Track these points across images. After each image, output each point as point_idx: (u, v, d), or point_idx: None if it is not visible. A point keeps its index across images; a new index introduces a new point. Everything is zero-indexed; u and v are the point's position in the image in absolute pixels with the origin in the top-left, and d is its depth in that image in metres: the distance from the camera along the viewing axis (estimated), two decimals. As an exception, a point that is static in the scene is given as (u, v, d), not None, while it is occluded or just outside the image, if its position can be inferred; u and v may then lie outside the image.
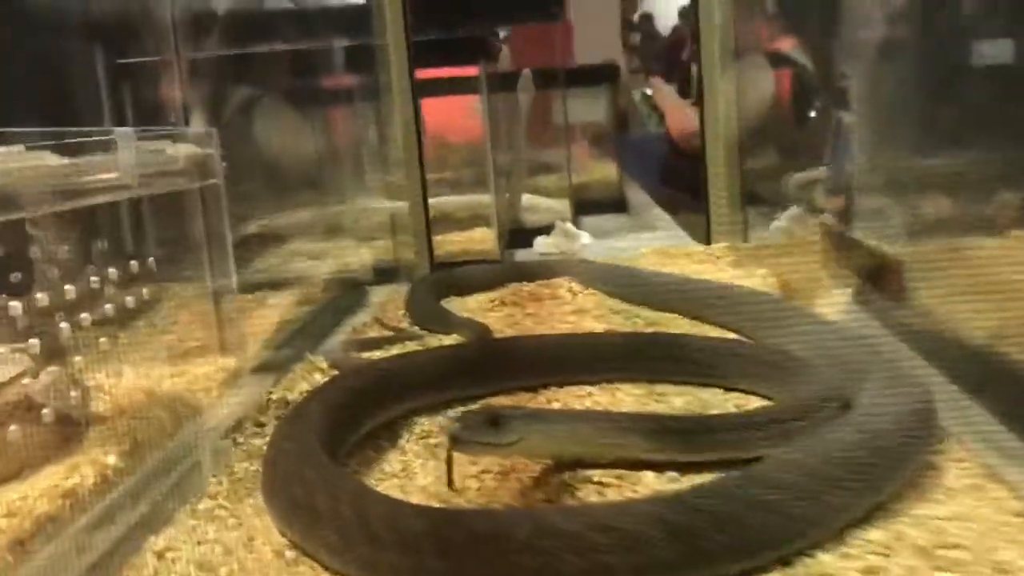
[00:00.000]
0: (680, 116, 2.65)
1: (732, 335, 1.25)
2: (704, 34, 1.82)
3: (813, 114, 1.96)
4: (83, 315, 1.03)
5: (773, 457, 0.80)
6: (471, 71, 2.02)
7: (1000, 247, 1.05)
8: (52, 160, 0.82)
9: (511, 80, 2.27)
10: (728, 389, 1.08)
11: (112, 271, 1.01)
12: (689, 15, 3.11)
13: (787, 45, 1.97)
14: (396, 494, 0.91)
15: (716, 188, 1.86)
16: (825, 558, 0.74)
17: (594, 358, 1.12)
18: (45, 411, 0.92)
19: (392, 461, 0.99)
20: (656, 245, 1.86)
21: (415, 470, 0.97)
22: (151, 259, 1.09)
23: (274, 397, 1.10)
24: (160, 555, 0.78)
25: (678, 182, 2.53)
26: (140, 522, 0.84)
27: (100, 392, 1.05)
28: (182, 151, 1.10)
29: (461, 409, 0.92)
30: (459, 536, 0.71)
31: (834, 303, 1.35)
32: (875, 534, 0.76)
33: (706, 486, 0.77)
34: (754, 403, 1.05)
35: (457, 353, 1.17)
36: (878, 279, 1.12)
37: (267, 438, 0.98)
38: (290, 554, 0.79)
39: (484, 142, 1.99)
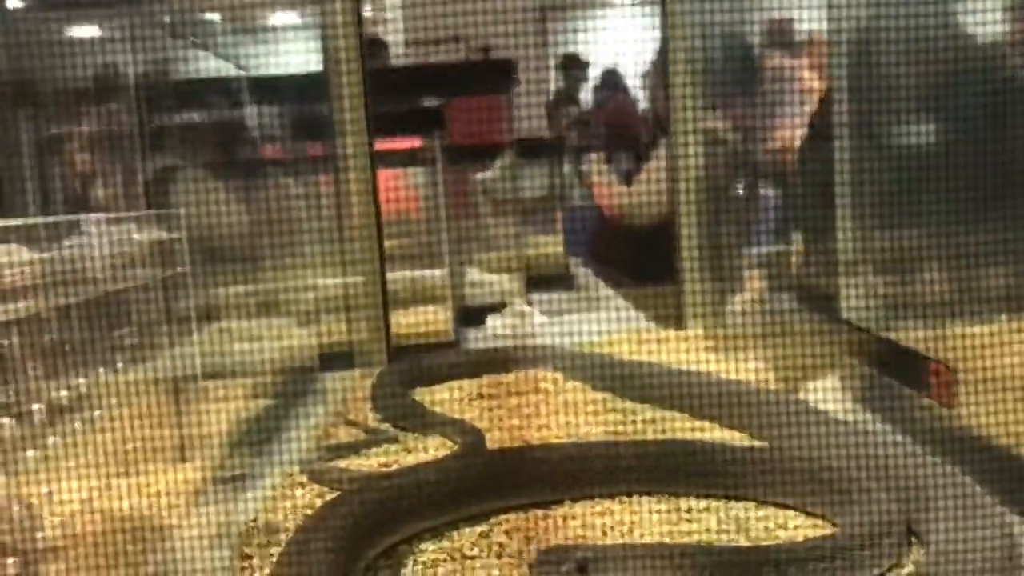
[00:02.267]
0: (606, 192, 2.60)
1: (744, 437, 1.17)
2: (675, 91, 1.75)
3: (741, 191, 1.94)
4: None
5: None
6: (420, 142, 1.93)
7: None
8: (24, 254, 0.69)
9: (461, 152, 2.19)
10: (759, 504, 1.00)
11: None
12: (615, 82, 3.09)
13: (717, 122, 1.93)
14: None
15: (690, 263, 1.78)
16: None
17: (611, 470, 1.03)
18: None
19: (398, 599, 0.87)
20: (618, 326, 1.78)
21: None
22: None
23: (258, 523, 0.96)
24: None
25: (613, 258, 2.47)
26: None
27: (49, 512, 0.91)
28: (148, 236, 0.97)
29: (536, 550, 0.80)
30: None
31: (831, 398, 1.29)
32: None
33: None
34: (791, 521, 0.97)
35: (458, 466, 1.05)
36: (914, 378, 1.06)
37: (257, 573, 0.85)
38: None
39: (437, 215, 1.89)
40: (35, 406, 0.84)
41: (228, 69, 1.81)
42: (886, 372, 1.19)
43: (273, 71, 1.76)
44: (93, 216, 0.80)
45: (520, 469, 1.03)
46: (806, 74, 1.96)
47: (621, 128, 2.82)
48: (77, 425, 1.16)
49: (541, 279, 2.40)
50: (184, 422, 1.16)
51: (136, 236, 0.94)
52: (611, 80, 3.07)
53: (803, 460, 1.01)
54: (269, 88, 1.79)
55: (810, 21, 1.56)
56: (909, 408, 1.09)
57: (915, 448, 1.02)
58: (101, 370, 1.15)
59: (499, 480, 1.02)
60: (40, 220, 0.75)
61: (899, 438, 1.06)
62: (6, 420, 0.84)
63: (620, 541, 0.91)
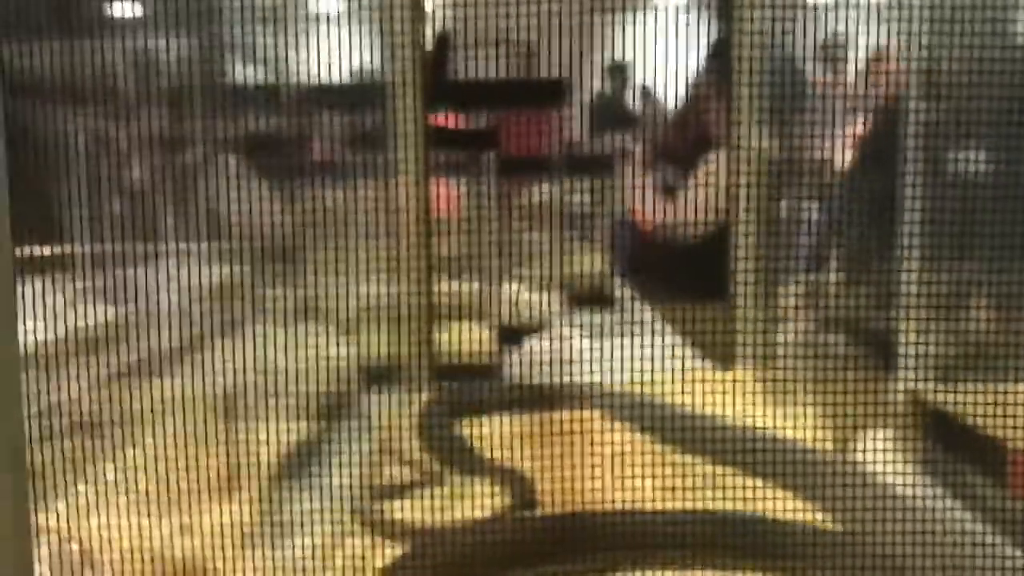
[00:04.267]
0: (648, 209, 2.57)
1: (801, 501, 1.14)
2: (741, 103, 1.71)
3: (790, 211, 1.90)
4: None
5: None
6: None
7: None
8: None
9: (513, 166, 2.16)
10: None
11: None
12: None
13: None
14: None
15: (743, 288, 1.72)
16: None
17: (670, 540, 1.00)
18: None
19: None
20: (668, 364, 1.74)
21: None
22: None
23: (312, 577, 0.95)
24: None
25: (651, 275, 2.43)
26: None
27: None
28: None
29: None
30: None
31: (887, 459, 1.25)
32: None
33: None
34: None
35: (512, 529, 1.03)
36: (990, 465, 1.03)
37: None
38: None
39: (486, 228, 1.87)
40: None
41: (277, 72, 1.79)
42: (953, 449, 1.16)
43: (334, 78, 1.75)
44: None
45: (577, 534, 1.01)
46: (857, 91, 1.92)
47: (680, 142, 2.77)
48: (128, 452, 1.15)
49: (585, 298, 2.37)
50: (231, 448, 1.15)
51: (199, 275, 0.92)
52: (647, 94, 3.02)
53: (870, 542, 0.99)
54: (328, 93, 1.78)
55: (878, 37, 1.52)
56: (980, 490, 1.06)
57: (983, 534, 0.99)
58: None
59: (556, 543, 1.00)
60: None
61: (969, 523, 1.03)
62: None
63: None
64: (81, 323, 0.95)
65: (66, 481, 0.91)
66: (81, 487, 0.96)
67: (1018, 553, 0.94)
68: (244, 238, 1.46)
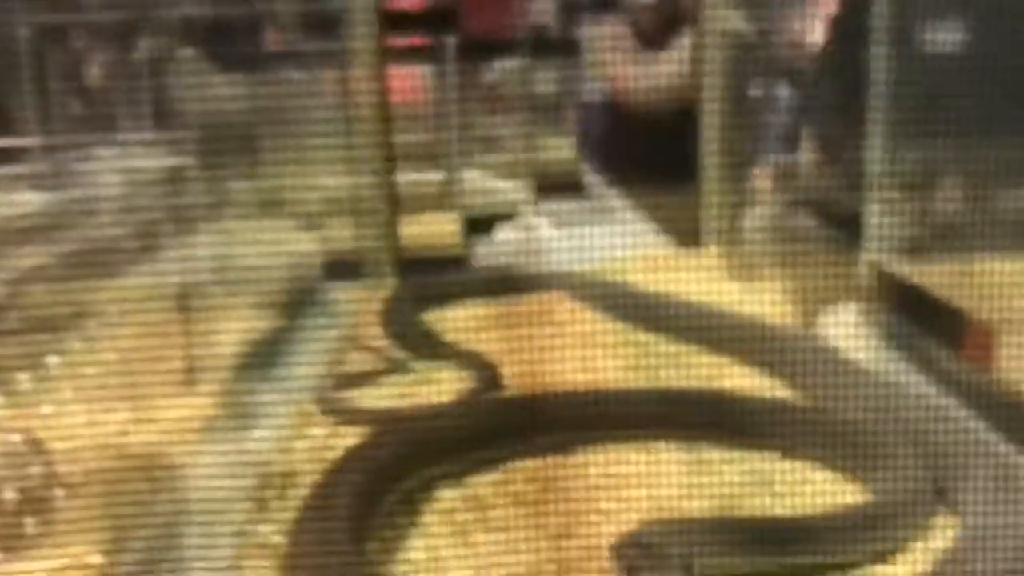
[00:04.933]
0: (623, 69, 2.51)
1: (764, 376, 1.15)
2: None
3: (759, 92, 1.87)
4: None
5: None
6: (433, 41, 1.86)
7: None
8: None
9: (474, 48, 2.10)
10: (783, 456, 0.98)
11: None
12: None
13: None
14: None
15: (710, 171, 1.71)
16: None
17: (630, 417, 1.00)
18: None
19: (416, 545, 0.86)
20: (635, 245, 1.73)
21: (445, 557, 0.84)
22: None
23: (274, 468, 0.94)
24: None
25: (628, 156, 2.39)
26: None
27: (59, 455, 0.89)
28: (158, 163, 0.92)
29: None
30: None
31: (851, 334, 1.26)
32: None
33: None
34: (816, 476, 0.95)
35: (476, 410, 1.03)
36: (950, 335, 1.03)
37: (277, 525, 0.83)
38: None
39: (447, 114, 1.83)
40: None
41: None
42: (917, 320, 1.15)
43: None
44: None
45: (537, 414, 1.01)
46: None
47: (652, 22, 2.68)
48: (77, 344, 1.13)
49: (552, 186, 2.34)
50: (190, 341, 1.13)
51: (146, 164, 0.89)
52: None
53: (830, 414, 0.99)
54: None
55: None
56: (939, 359, 1.07)
57: (945, 405, 0.99)
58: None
59: (515, 424, 1.00)
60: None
61: (928, 392, 1.04)
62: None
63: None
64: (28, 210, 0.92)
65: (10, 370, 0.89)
66: (25, 378, 0.95)
67: (975, 420, 0.95)
68: (198, 128, 1.42)
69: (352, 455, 0.90)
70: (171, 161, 0.92)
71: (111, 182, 0.79)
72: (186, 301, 1.15)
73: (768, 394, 1.09)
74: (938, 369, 1.06)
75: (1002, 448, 0.87)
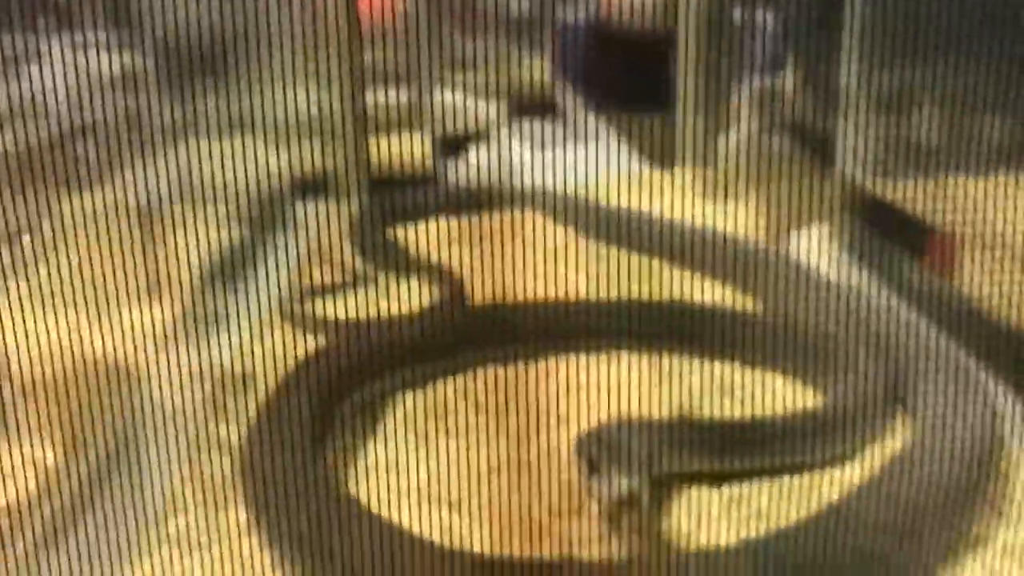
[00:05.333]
0: None
1: (729, 290, 1.15)
2: None
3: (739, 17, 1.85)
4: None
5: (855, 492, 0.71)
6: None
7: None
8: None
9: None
10: (743, 366, 0.98)
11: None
12: None
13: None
14: (391, 496, 0.79)
15: (686, 93, 1.70)
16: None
17: (592, 328, 1.00)
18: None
19: (376, 451, 0.86)
20: (608, 164, 1.72)
21: (404, 463, 0.85)
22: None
23: (233, 370, 0.94)
24: (136, 606, 0.63)
25: (606, 77, 2.37)
26: (100, 548, 0.68)
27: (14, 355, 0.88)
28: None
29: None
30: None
31: (820, 249, 1.26)
32: (973, 573, 0.69)
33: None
34: (775, 384, 0.96)
35: (438, 320, 1.03)
36: (913, 245, 1.03)
37: (235, 425, 0.83)
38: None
39: (416, 31, 1.79)
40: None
41: None
42: (883, 233, 1.15)
43: None
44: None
45: (500, 324, 1.01)
46: None
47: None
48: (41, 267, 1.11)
49: (527, 106, 2.31)
50: (155, 253, 1.12)
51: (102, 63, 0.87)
52: None
53: (791, 323, 0.99)
54: None
55: None
56: (902, 271, 1.07)
57: (907, 315, 1.00)
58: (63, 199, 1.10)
59: (478, 334, 0.99)
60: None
61: (891, 303, 1.04)
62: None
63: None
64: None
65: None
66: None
67: (934, 328, 0.95)
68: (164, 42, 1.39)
69: (311, 360, 0.89)
70: (133, 65, 0.90)
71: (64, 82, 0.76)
72: (149, 213, 1.14)
73: (731, 306, 1.09)
74: (901, 280, 1.07)
75: (957, 354, 0.88)
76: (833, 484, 0.78)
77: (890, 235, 1.13)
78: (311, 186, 1.65)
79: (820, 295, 1.04)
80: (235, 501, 0.73)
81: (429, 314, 1.06)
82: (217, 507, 0.74)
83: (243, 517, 0.71)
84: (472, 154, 1.93)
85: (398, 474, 0.83)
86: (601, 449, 0.71)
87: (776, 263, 1.15)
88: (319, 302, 1.12)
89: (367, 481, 0.80)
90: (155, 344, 0.96)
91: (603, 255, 1.28)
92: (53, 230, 1.10)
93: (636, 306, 1.04)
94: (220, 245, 1.28)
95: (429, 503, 0.77)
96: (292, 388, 0.83)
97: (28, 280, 0.97)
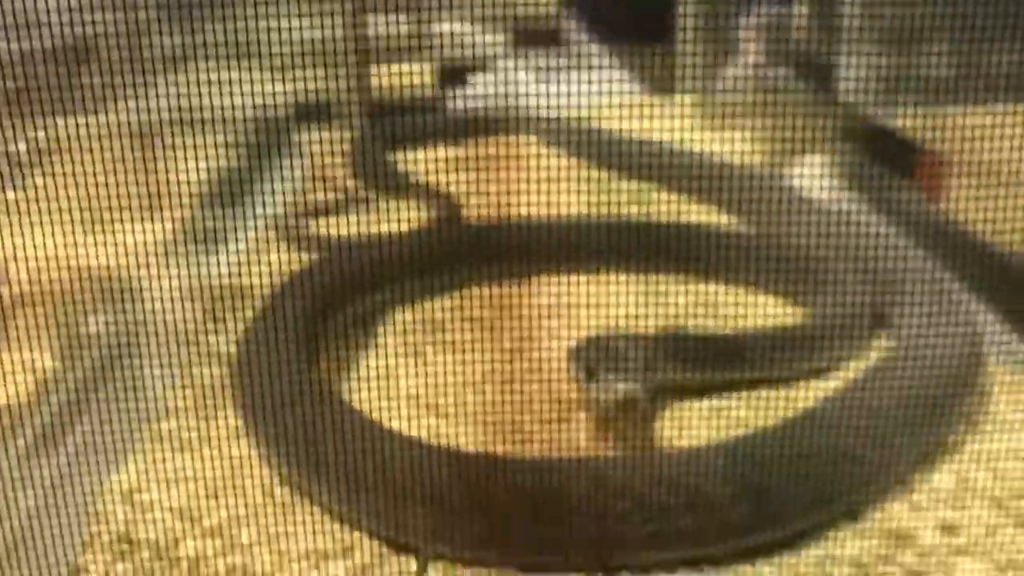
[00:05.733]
0: None
1: (721, 213, 1.16)
2: None
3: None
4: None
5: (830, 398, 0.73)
6: None
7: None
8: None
9: None
10: (730, 285, 1.00)
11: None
12: None
13: None
14: (381, 402, 0.81)
15: (686, 23, 1.69)
16: (895, 509, 0.67)
17: (584, 246, 1.01)
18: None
19: (370, 361, 0.88)
20: (610, 92, 1.71)
21: (397, 372, 0.86)
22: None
23: (229, 283, 0.95)
24: (128, 499, 0.66)
25: (610, 9, 2.35)
26: (93, 450, 0.70)
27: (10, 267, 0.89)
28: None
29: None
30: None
31: (817, 177, 1.26)
32: (941, 479, 0.70)
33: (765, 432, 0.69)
34: (761, 302, 0.97)
35: (433, 238, 1.04)
36: (904, 167, 1.03)
37: (228, 335, 0.84)
38: (282, 492, 0.68)
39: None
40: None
41: None
42: (876, 158, 1.16)
43: None
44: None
45: (494, 242, 1.02)
46: None
47: None
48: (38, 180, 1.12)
49: (530, 34, 2.30)
50: (154, 173, 1.13)
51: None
52: None
53: (778, 243, 1.00)
54: None
55: None
56: (894, 196, 1.07)
57: (893, 237, 1.01)
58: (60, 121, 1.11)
59: (473, 252, 1.00)
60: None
61: (879, 226, 1.05)
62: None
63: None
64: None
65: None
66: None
67: (920, 249, 0.96)
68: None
69: (303, 273, 0.91)
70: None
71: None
72: (152, 136, 1.14)
73: (720, 226, 1.10)
74: (891, 203, 1.07)
75: (943, 276, 0.89)
76: (812, 396, 0.80)
77: (884, 160, 1.13)
78: (313, 113, 1.65)
79: (808, 217, 1.04)
80: (226, 406, 0.75)
81: (423, 232, 1.07)
82: (208, 412, 0.76)
83: (233, 421, 0.73)
84: (474, 83, 1.93)
85: (389, 383, 0.84)
86: (599, 355, 0.72)
87: (766, 185, 1.16)
88: (315, 221, 1.13)
89: (359, 389, 0.82)
90: (153, 259, 0.98)
91: (598, 179, 1.29)
92: (48, 148, 1.11)
93: (626, 225, 1.05)
94: (221, 169, 1.29)
95: (419, 411, 0.79)
96: (284, 299, 0.84)
97: (25, 191, 0.99)
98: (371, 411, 0.74)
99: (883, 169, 1.14)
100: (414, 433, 0.71)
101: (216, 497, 0.65)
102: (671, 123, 1.55)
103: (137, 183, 1.10)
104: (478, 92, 1.87)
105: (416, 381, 0.84)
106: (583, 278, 1.00)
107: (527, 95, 1.80)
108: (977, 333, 0.81)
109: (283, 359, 0.75)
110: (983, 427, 0.76)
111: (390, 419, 0.75)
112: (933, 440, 0.72)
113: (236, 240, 1.08)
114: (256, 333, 0.80)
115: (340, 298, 0.89)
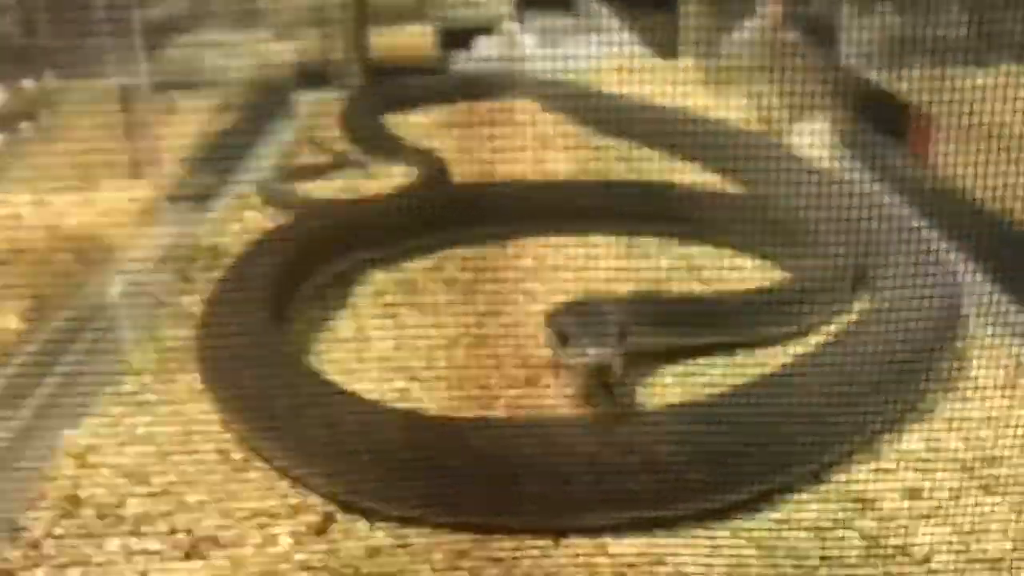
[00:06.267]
0: None
1: (717, 178, 1.13)
2: None
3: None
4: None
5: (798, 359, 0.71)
6: None
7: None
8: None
9: None
10: (713, 245, 0.98)
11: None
12: None
13: None
14: (352, 364, 0.80)
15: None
16: (860, 474, 0.66)
17: (567, 207, 1.00)
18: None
19: (343, 323, 0.87)
20: (613, 56, 1.68)
21: (370, 334, 0.86)
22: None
23: (203, 244, 0.95)
24: (80, 459, 0.65)
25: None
26: (53, 410, 0.70)
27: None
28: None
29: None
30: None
31: (817, 141, 1.23)
32: (910, 443, 0.69)
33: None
34: (742, 263, 0.95)
35: (415, 197, 1.02)
36: (896, 129, 1.01)
37: (197, 296, 0.84)
38: (237, 455, 0.67)
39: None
40: None
41: None
42: (869, 118, 1.13)
43: None
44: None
45: (476, 203, 1.00)
46: None
47: None
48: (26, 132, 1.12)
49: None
50: (140, 135, 1.12)
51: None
52: None
53: (762, 205, 0.98)
54: None
55: None
56: (885, 156, 1.05)
57: (882, 198, 0.98)
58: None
59: (454, 212, 0.99)
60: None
61: (868, 186, 1.02)
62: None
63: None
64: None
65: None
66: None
67: (908, 209, 0.94)
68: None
69: (274, 233, 0.90)
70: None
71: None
72: (139, 98, 1.14)
73: (703, 186, 1.08)
74: (882, 164, 1.05)
75: (930, 239, 0.86)
76: (787, 359, 0.78)
77: (878, 122, 1.11)
78: (312, 76, 1.64)
79: (795, 177, 1.02)
80: (189, 368, 0.74)
81: (404, 193, 1.06)
82: (171, 374, 0.75)
83: (195, 384, 0.72)
84: (478, 45, 1.90)
85: (360, 345, 0.84)
86: (573, 320, 0.71)
87: (755, 146, 1.13)
88: (301, 183, 1.13)
89: (330, 351, 0.81)
90: (131, 219, 0.97)
91: (592, 143, 1.27)
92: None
93: (609, 186, 1.03)
94: (213, 132, 1.29)
95: (390, 374, 0.78)
96: (254, 258, 0.83)
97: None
98: (341, 373, 0.73)
99: (877, 130, 1.11)
100: (382, 396, 0.70)
101: (168, 458, 0.65)
102: (673, 86, 1.53)
103: (127, 145, 1.10)
104: (482, 55, 1.85)
105: (387, 344, 0.83)
106: (568, 240, 0.99)
107: (530, 58, 1.78)
108: (958, 295, 0.78)
109: (247, 319, 0.74)
110: (958, 391, 0.74)
111: (359, 381, 0.75)
112: (905, 404, 0.70)
113: (217, 201, 1.07)
114: (222, 293, 0.79)
115: (313, 260, 0.88)
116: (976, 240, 0.84)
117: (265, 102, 1.49)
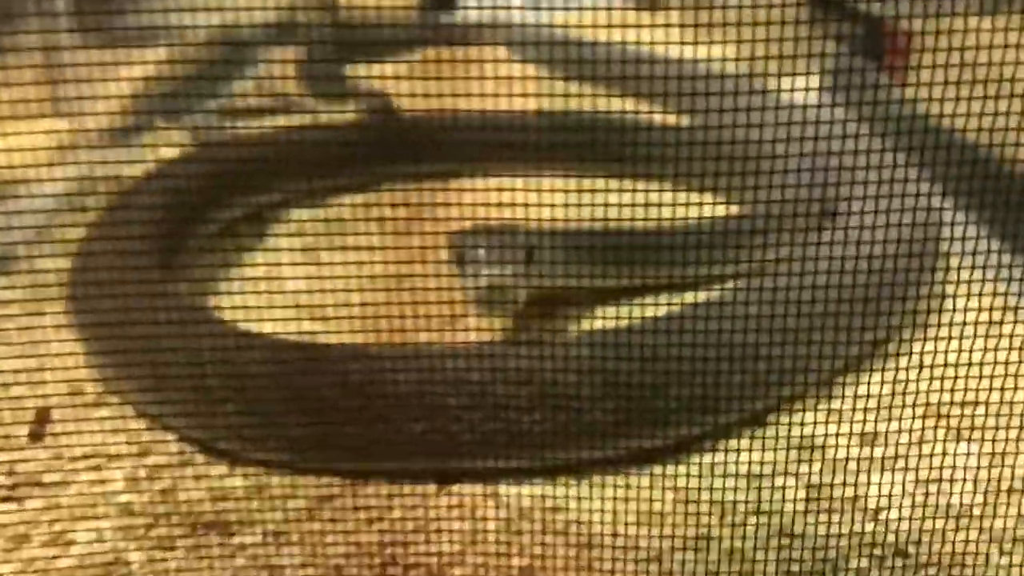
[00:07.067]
0: None
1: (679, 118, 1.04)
2: None
3: None
4: None
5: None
6: None
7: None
8: None
9: None
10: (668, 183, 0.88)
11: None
12: None
13: None
14: (261, 302, 0.72)
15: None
16: (808, 417, 0.56)
17: (511, 141, 0.91)
18: None
19: (255, 261, 0.79)
20: (599, 7, 1.59)
21: (284, 272, 0.77)
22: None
23: (102, 173, 0.87)
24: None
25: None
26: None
27: None
28: None
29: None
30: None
31: (803, 84, 1.14)
32: (870, 385, 0.59)
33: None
34: (698, 200, 0.85)
35: (346, 130, 0.94)
36: (873, 48, 0.91)
37: (84, 229, 0.75)
38: (91, 392, 0.59)
39: None
40: None
41: None
42: (850, 45, 1.03)
43: None
44: None
45: (412, 137, 0.91)
46: None
47: None
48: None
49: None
50: (68, 76, 1.04)
51: None
52: None
53: (721, 140, 0.88)
54: None
55: None
56: (862, 82, 0.95)
57: (852, 126, 0.88)
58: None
59: (388, 147, 0.90)
60: None
61: (835, 114, 0.92)
62: None
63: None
64: None
65: None
66: None
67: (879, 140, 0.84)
68: None
69: (165, 166, 0.81)
70: None
71: None
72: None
73: (658, 121, 0.98)
74: (857, 90, 0.95)
75: (908, 173, 0.77)
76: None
77: (856, 44, 1.01)
78: (281, 30, 1.57)
79: (759, 111, 0.92)
80: (61, 302, 0.66)
81: (339, 126, 0.97)
82: (41, 306, 0.67)
83: (63, 317, 0.64)
84: (463, 9, 1.81)
85: (274, 283, 0.75)
86: (473, 242, 0.62)
87: (717, 80, 1.03)
88: (237, 122, 1.04)
89: (232, 290, 0.73)
90: (44, 157, 0.89)
91: (559, 88, 1.17)
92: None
93: (557, 120, 0.94)
94: (164, 76, 1.21)
95: (297, 313, 0.70)
96: (143, 190, 0.75)
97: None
98: (242, 313, 0.65)
99: (855, 55, 1.01)
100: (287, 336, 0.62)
101: (9, 391, 0.56)
102: (651, 33, 1.43)
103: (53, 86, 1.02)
104: (463, 8, 1.76)
105: (299, 285, 0.75)
106: (509, 179, 0.90)
107: (519, 10, 1.69)
108: (934, 229, 0.69)
109: (120, 250, 0.66)
110: (932, 329, 0.64)
111: (260, 324, 0.66)
112: (867, 342, 0.61)
113: (139, 137, 0.99)
114: (101, 223, 0.71)
115: (217, 195, 0.80)
116: (957, 173, 0.74)
117: (230, 56, 1.42)
